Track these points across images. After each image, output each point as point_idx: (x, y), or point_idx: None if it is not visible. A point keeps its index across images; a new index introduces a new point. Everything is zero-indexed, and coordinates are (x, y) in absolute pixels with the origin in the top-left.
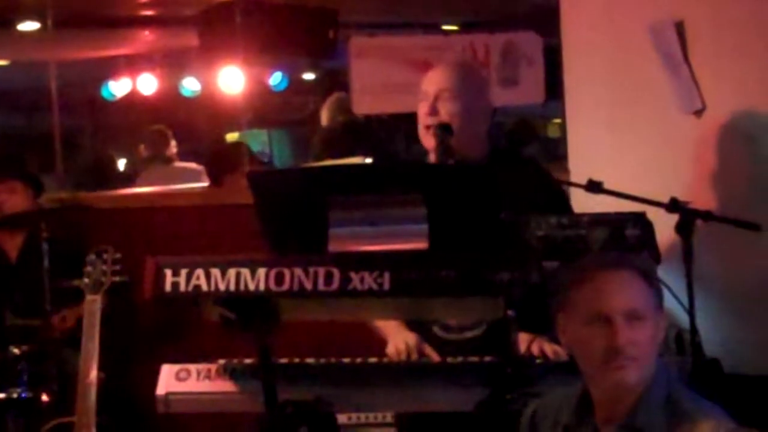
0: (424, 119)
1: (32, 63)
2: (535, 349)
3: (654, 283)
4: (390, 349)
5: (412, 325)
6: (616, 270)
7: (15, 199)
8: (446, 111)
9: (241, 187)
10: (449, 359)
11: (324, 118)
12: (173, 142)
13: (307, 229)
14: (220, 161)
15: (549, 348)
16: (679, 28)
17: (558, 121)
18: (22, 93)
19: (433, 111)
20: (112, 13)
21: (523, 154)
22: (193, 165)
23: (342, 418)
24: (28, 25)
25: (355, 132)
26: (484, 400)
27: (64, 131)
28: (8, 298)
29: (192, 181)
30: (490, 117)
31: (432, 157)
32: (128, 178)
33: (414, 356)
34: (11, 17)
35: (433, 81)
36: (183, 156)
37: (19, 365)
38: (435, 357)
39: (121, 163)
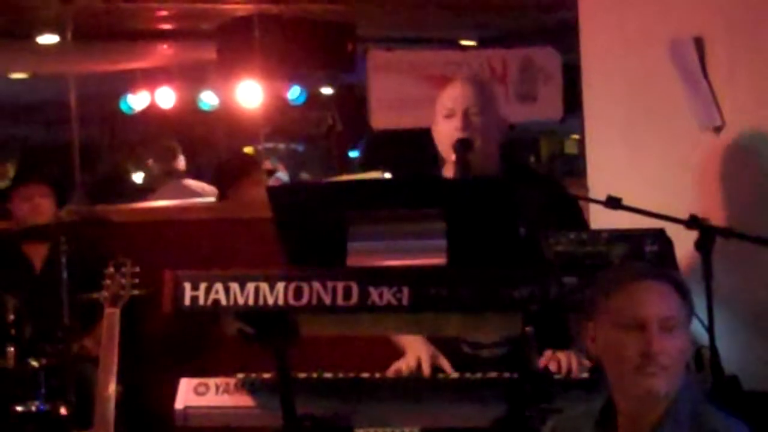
0: (454, 134)
1: (51, 76)
2: (557, 364)
3: (687, 298)
4: (393, 367)
5: (440, 341)
6: (653, 280)
7: (46, 204)
8: (475, 127)
9: (245, 199)
10: (467, 375)
11: None
12: (182, 158)
13: (326, 243)
14: (224, 174)
15: (570, 361)
16: (698, 44)
17: (576, 137)
18: (41, 106)
19: (466, 126)
20: (130, 26)
21: (540, 171)
22: (205, 185)
23: None
24: (48, 38)
25: None
26: (503, 417)
27: (83, 144)
28: (30, 309)
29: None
30: (504, 132)
31: (450, 171)
32: (145, 192)
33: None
34: (31, 30)
35: (459, 97)
36: (201, 169)
37: (38, 378)
38: (449, 370)
39: (138, 177)
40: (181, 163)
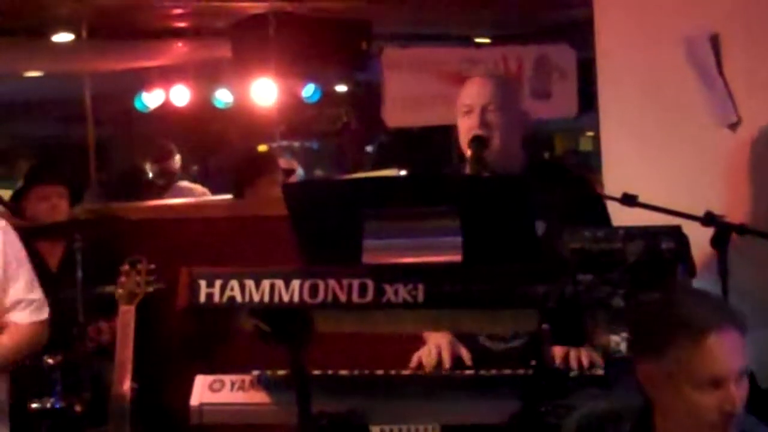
0: (471, 131)
1: (66, 74)
2: (572, 361)
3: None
4: (415, 358)
5: (457, 333)
6: (728, 331)
7: (63, 205)
8: (493, 123)
9: (263, 198)
10: (483, 371)
11: None
12: (177, 157)
13: (341, 240)
14: (243, 172)
15: (585, 358)
16: (714, 42)
17: (591, 134)
18: (56, 104)
19: (483, 123)
20: (145, 24)
21: (570, 169)
22: (198, 187)
23: (375, 430)
24: (63, 37)
25: None
26: (518, 413)
27: (98, 142)
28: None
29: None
30: (526, 127)
31: (468, 169)
32: (160, 189)
33: (446, 364)
34: (46, 29)
35: (477, 94)
36: (215, 168)
37: (53, 375)
38: (467, 360)
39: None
40: (177, 163)
